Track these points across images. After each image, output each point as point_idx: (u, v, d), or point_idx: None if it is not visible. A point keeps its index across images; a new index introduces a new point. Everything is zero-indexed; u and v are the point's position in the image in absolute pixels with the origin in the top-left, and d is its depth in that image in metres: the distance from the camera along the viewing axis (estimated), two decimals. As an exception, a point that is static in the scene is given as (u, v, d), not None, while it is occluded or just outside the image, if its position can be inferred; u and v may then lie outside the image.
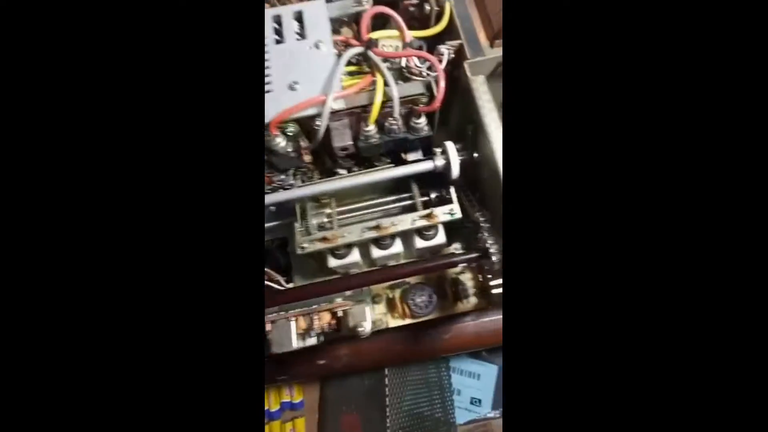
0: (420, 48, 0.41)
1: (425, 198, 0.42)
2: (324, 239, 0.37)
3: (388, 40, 0.40)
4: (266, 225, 0.46)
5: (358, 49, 0.37)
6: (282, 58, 0.38)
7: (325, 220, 0.42)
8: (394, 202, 0.44)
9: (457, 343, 0.55)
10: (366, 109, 0.38)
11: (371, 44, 0.37)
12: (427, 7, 0.41)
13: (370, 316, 0.35)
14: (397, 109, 0.37)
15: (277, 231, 0.48)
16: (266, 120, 0.35)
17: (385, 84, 0.37)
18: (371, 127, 0.37)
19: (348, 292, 0.40)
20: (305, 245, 0.37)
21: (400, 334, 0.51)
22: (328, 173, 0.44)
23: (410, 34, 0.40)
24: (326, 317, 0.34)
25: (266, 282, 0.43)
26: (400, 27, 0.39)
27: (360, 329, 0.34)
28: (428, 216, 0.37)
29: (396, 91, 0.36)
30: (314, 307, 0.35)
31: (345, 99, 0.37)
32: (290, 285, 0.47)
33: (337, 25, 0.43)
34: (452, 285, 0.46)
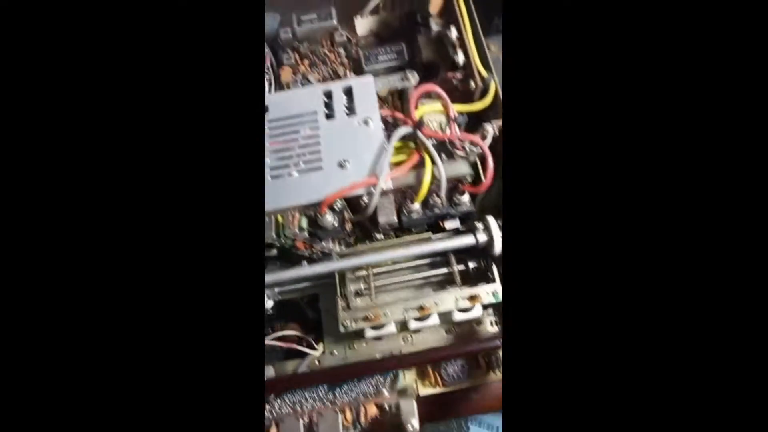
0: (463, 123, 0.42)
1: (462, 266, 0.43)
2: (366, 318, 0.37)
3: (433, 115, 0.41)
4: (299, 285, 0.46)
5: (408, 130, 0.38)
6: (332, 134, 0.39)
7: (362, 286, 0.42)
8: (430, 267, 0.44)
9: (484, 405, 0.54)
10: (411, 186, 0.38)
11: (420, 125, 0.38)
12: (473, 84, 0.42)
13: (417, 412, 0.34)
14: (443, 190, 0.37)
15: (308, 289, 0.48)
16: (319, 199, 0.36)
17: (432, 163, 0.37)
18: (416, 205, 0.38)
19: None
20: (347, 323, 0.37)
21: (428, 399, 0.51)
22: (366, 234, 0.45)
23: (455, 110, 0.41)
24: (373, 410, 0.34)
25: (296, 346, 0.43)
26: (446, 105, 0.40)
27: (408, 426, 0.33)
28: (472, 298, 0.37)
29: (443, 172, 0.37)
30: (361, 397, 0.35)
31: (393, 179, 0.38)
32: (320, 347, 0.47)
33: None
34: (485, 355, 0.46)
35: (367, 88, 0.41)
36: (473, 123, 0.42)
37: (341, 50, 0.62)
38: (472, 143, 0.39)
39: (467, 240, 0.40)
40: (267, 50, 0.63)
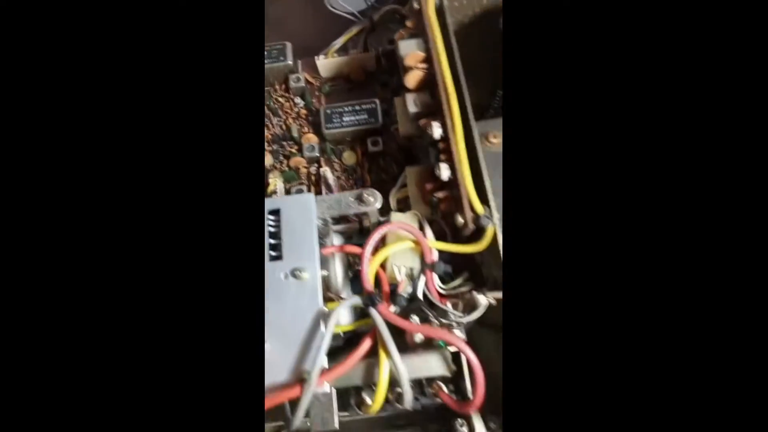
0: (445, 273, 0.29)
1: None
2: None
3: (402, 256, 0.28)
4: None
5: (355, 300, 0.25)
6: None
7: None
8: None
9: None
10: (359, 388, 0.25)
11: (374, 300, 0.24)
12: (460, 219, 0.28)
13: None
14: (407, 400, 0.24)
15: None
16: None
17: (389, 357, 0.24)
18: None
19: None
20: None
21: None
22: None
23: (435, 252, 0.28)
24: None
25: None
26: (424, 249, 0.27)
27: None
28: None
29: (406, 375, 0.24)
30: None
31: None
32: None
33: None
34: None
35: (305, 212, 0.27)
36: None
37: (298, 99, 0.48)
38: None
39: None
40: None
